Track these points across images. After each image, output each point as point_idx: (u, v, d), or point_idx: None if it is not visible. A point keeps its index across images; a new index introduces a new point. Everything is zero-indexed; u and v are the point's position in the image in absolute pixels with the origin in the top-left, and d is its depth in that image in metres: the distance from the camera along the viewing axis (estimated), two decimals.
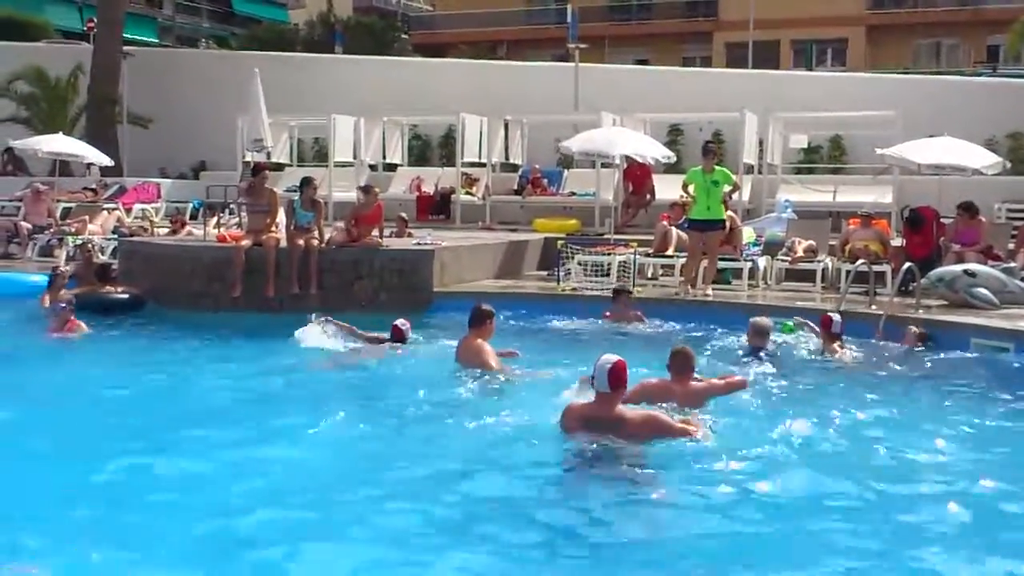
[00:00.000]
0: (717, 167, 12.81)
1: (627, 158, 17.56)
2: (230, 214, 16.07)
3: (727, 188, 12.82)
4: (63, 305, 10.67)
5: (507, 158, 21.12)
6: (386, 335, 9.85)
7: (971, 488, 5.89)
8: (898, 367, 9.36)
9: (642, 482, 5.98)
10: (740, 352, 9.52)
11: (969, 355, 9.73)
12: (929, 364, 9.49)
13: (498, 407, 7.50)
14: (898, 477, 6.12)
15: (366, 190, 13.35)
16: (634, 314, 11.37)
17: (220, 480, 6.03)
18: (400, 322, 9.87)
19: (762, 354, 9.24)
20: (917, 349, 9.92)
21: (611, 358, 6.25)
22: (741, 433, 6.85)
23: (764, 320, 9.66)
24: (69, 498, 5.63)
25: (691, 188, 12.80)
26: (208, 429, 7.03)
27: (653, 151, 17.20)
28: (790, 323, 10.46)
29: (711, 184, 12.57)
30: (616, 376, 6.19)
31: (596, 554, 5.09)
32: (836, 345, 9.63)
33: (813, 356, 9.69)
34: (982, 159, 14.58)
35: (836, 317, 9.79)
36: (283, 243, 12.34)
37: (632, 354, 7.35)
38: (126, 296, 12.46)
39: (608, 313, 11.46)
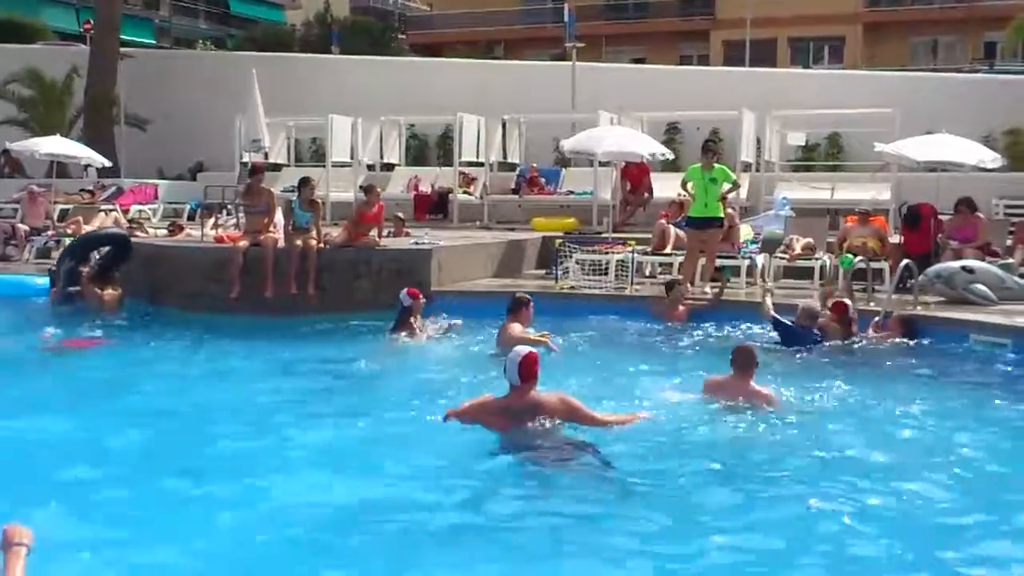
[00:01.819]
0: (716, 165, 12.79)
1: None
2: (228, 215, 16.05)
3: (727, 186, 12.80)
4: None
5: (505, 157, 21.09)
6: None
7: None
8: (890, 361, 9.46)
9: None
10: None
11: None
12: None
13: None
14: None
15: (368, 189, 13.34)
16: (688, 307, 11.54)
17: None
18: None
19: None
20: (899, 340, 10.01)
21: (522, 351, 6.47)
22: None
23: (814, 303, 10.43)
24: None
25: (690, 186, 12.80)
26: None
27: (641, 148, 17.12)
28: (850, 256, 11.44)
29: (709, 182, 12.56)
30: (526, 368, 6.39)
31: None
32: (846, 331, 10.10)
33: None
34: (980, 155, 14.56)
35: (850, 302, 10.47)
36: (281, 243, 12.33)
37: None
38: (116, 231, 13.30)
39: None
